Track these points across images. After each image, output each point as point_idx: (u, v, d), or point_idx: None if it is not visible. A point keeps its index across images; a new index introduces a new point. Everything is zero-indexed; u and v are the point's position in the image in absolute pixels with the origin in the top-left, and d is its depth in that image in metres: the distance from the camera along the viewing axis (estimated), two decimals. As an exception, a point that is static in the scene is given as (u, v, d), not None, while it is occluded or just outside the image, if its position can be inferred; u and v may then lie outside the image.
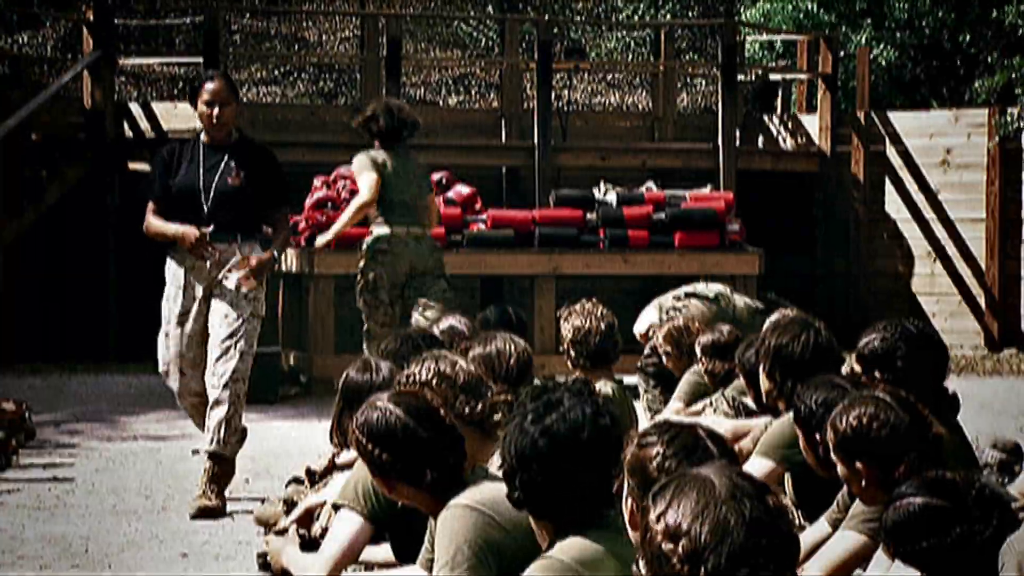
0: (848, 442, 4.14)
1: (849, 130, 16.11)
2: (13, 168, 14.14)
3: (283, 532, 5.36)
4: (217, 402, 7.30)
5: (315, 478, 6.00)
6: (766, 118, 17.32)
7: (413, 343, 5.42)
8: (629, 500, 3.10)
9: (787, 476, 5.31)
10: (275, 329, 13.07)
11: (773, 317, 6.92)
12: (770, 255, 13.01)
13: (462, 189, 12.83)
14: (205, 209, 7.38)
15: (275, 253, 7.49)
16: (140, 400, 11.72)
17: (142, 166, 15.36)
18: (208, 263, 7.35)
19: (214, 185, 7.37)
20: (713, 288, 10.11)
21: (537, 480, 3.34)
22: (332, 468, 5.88)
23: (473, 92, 18.53)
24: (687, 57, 18.72)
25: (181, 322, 7.45)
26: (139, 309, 15.12)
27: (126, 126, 15.40)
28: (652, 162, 15.55)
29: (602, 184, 13.21)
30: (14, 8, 21.96)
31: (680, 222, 12.55)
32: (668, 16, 18.77)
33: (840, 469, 4.21)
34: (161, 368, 7.60)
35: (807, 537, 4.59)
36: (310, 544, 4.93)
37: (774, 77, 18.02)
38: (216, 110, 7.35)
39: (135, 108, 15.68)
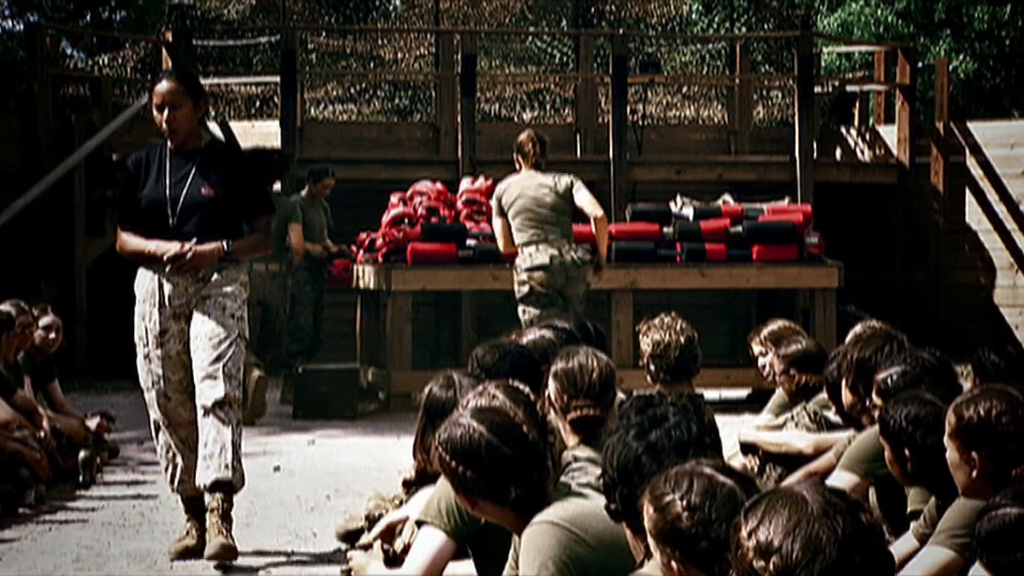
0: (971, 430, 4.05)
1: (928, 141, 15.96)
2: (95, 188, 14.33)
3: (366, 548, 5.37)
4: (213, 429, 6.55)
5: (411, 487, 5.99)
6: (843, 130, 17.20)
7: (512, 360, 5.40)
8: (673, 565, 2.96)
9: (871, 490, 5.26)
10: (353, 345, 13.15)
11: (856, 329, 6.85)
12: (849, 268, 12.90)
13: (538, 204, 12.80)
14: (171, 223, 6.64)
15: (225, 246, 6.64)
16: (221, 417, 11.80)
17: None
18: (184, 280, 6.67)
19: (183, 197, 6.65)
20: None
21: (637, 494, 3.33)
22: (425, 478, 5.87)
23: (548, 107, 18.54)
24: (763, 69, 18.62)
25: (161, 342, 6.71)
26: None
27: (204, 145, 15.55)
28: (728, 175, 15.49)
29: (678, 198, 13.16)
30: (95, 31, 22.23)
31: (758, 235, 12.47)
32: (744, 29, 18.70)
33: (952, 456, 4.12)
34: (146, 394, 6.80)
35: (894, 551, 4.54)
36: (394, 560, 4.93)
37: (851, 88, 17.90)
38: (166, 113, 6.59)
39: (213, 127, 15.83)
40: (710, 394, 12.38)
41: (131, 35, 24.69)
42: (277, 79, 15.33)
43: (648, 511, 3.01)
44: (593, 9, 18.65)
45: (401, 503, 5.96)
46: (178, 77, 6.73)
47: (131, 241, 6.74)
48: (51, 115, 14.90)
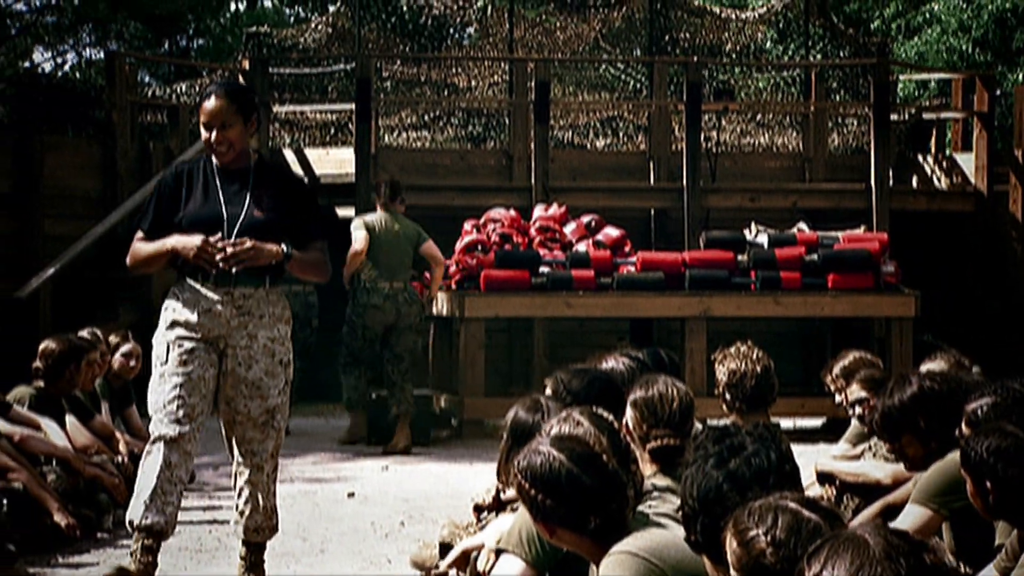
0: None
1: (1006, 169, 15.80)
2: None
3: (442, 575, 5.37)
4: (251, 483, 6.26)
5: (482, 514, 5.99)
6: (920, 157, 17.07)
7: (599, 386, 5.39)
8: None
9: (945, 525, 5.19)
10: (426, 372, 13.18)
11: (929, 365, 6.78)
12: (926, 297, 12.79)
13: (611, 231, 12.82)
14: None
15: (284, 249, 6.05)
16: (296, 443, 11.86)
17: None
18: (226, 306, 6.06)
19: (242, 217, 6.07)
20: None
21: (719, 524, 3.31)
22: (498, 504, 5.87)
23: (621, 134, 18.54)
24: (838, 97, 18.52)
25: (183, 360, 6.04)
26: (293, 351, 15.38)
27: (280, 172, 15.68)
28: (803, 203, 15.41)
29: (753, 225, 13.11)
30: (173, 59, 22.50)
31: (833, 263, 12.39)
32: (819, 56, 18.62)
33: None
34: (154, 416, 6.09)
35: (976, 586, 4.48)
36: (468, 587, 4.93)
37: (928, 116, 17.76)
38: (215, 134, 6.08)
39: (289, 154, 15.97)
40: (785, 423, 12.30)
41: (208, 63, 25.00)
42: (352, 106, 15.44)
43: (731, 545, 2.99)
44: (667, 36, 18.64)
45: (475, 530, 5.97)
46: (228, 93, 6.15)
47: (146, 246, 6.12)
48: (129, 142, 15.09)
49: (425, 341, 12.75)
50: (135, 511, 6.04)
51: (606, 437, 4.00)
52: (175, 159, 14.68)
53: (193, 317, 6.06)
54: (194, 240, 5.95)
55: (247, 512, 6.31)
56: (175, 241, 6.01)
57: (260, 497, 6.31)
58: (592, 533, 3.81)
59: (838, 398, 7.48)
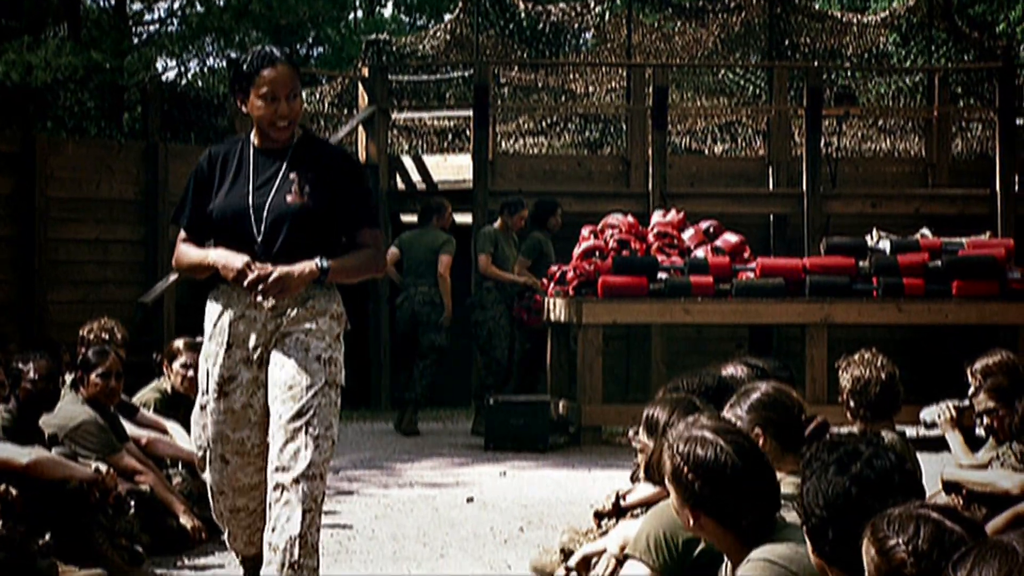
0: None
1: None
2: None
3: (563, 581, 5.36)
4: (285, 513, 5.21)
5: (602, 520, 5.98)
6: (1046, 162, 16.74)
7: (717, 387, 5.36)
8: None
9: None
10: (544, 378, 13.19)
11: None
12: (1053, 304, 12.52)
13: (730, 238, 12.73)
14: (257, 238, 5.43)
15: (320, 264, 5.37)
16: (414, 447, 11.94)
17: (414, 218, 15.74)
18: (261, 311, 5.44)
19: (268, 205, 5.42)
20: None
21: (853, 531, 3.27)
22: (618, 510, 5.86)
23: (740, 140, 18.42)
24: (962, 101, 18.23)
25: (224, 391, 5.46)
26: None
27: (398, 178, 15.81)
28: (925, 208, 15.20)
29: (875, 231, 12.94)
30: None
31: (958, 270, 12.19)
32: (943, 60, 18.34)
33: None
34: (196, 453, 5.73)
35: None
36: (591, 594, 4.92)
37: (1054, 120, 17.42)
38: (281, 106, 5.39)
39: (407, 161, 16.08)
40: (909, 431, 12.13)
41: (328, 71, 25.25)
42: (470, 113, 15.50)
43: (870, 552, 2.95)
44: (787, 41, 18.48)
45: (595, 536, 5.96)
46: (288, 59, 5.48)
47: (190, 253, 5.56)
48: (251, 149, 15.27)
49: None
50: (243, 547, 5.81)
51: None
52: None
53: (227, 325, 5.48)
54: (234, 262, 5.33)
55: (280, 546, 5.20)
56: (217, 257, 5.41)
57: (294, 526, 5.19)
58: (739, 530, 3.80)
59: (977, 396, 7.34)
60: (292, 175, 5.44)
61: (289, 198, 5.40)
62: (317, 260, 5.36)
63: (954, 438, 7.23)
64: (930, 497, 6.36)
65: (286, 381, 5.33)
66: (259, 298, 5.33)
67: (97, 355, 7.57)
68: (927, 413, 7.42)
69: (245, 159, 5.52)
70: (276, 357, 5.41)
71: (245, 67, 5.44)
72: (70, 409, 7.37)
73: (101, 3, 25.19)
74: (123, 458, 7.35)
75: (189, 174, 5.66)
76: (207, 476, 5.66)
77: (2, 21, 19.72)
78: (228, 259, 5.36)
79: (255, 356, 5.44)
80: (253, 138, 5.54)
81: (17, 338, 11.75)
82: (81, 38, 19.39)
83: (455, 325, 13.23)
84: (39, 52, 16.43)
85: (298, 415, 5.26)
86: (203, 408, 5.53)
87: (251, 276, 5.29)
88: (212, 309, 5.55)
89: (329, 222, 5.45)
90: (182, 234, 5.64)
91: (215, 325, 5.51)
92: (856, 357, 6.55)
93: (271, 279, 5.28)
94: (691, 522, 3.88)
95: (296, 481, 5.20)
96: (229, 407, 5.46)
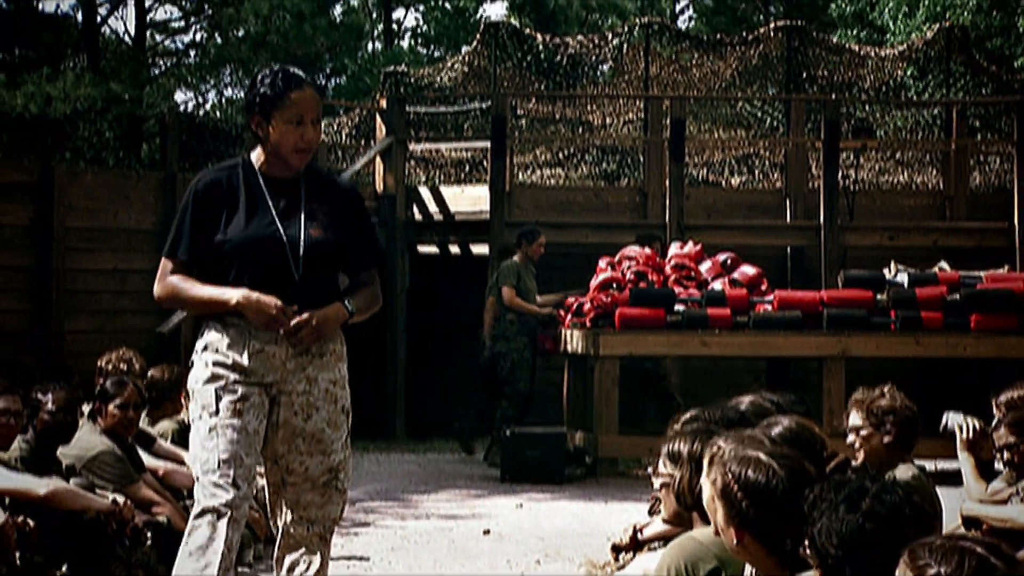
0: None
1: None
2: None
3: (581, 615, 5.34)
4: (309, 557, 5.15)
5: (620, 553, 5.96)
6: (1065, 196, 16.69)
7: (737, 420, 5.33)
8: None
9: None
10: (560, 409, 13.16)
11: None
12: (1072, 338, 12.46)
13: (747, 270, 12.72)
14: (296, 273, 5.08)
15: (348, 308, 5.14)
16: (430, 479, 11.92)
17: (431, 249, 15.76)
18: (281, 346, 5.08)
19: (301, 237, 5.08)
20: None
21: (868, 569, 3.26)
22: (635, 543, 5.83)
23: (757, 172, 18.41)
24: (980, 135, 18.21)
25: (238, 410, 5.03)
26: (427, 389, 15.49)
27: (416, 209, 15.83)
28: (943, 241, 15.17)
29: (892, 264, 12.91)
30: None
31: (976, 303, 12.15)
32: (960, 93, 18.33)
33: None
34: (202, 478, 5.01)
35: None
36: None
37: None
38: (308, 131, 5.08)
39: (424, 192, 16.10)
40: (927, 465, 12.07)
41: (346, 102, 25.33)
42: (487, 144, 15.53)
43: None
44: (804, 74, 18.49)
45: (612, 570, 5.93)
46: (311, 82, 5.25)
47: (194, 289, 5.10)
48: (269, 180, 15.29)
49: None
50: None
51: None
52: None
53: (242, 359, 5.06)
54: (266, 307, 4.97)
55: None
56: (241, 299, 4.99)
57: (298, 571, 5.16)
58: (782, 554, 3.78)
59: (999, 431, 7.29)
60: (314, 206, 5.13)
61: (315, 232, 5.09)
62: (346, 303, 5.13)
63: (966, 460, 7.17)
64: (950, 532, 6.33)
65: (314, 434, 5.08)
66: (292, 343, 5.03)
67: (115, 385, 7.57)
68: (951, 418, 7.33)
69: (255, 187, 5.12)
70: (302, 405, 5.08)
71: (269, 88, 5.08)
72: (88, 440, 7.37)
73: (120, 34, 25.31)
74: (140, 489, 7.35)
75: (183, 202, 5.19)
76: (204, 499, 4.95)
77: (22, 52, 19.82)
78: (259, 303, 4.97)
79: (271, 389, 5.07)
80: (257, 164, 5.15)
81: (32, 367, 11.75)
82: (100, 69, 19.48)
83: (470, 356, 13.22)
84: (58, 83, 16.51)
85: (329, 471, 5.10)
86: (211, 431, 4.99)
87: (290, 324, 4.99)
88: (218, 340, 5.09)
89: (343, 258, 5.21)
90: (168, 265, 5.15)
91: (221, 354, 5.06)
92: (876, 392, 6.52)
93: (309, 327, 5.00)
94: (734, 542, 3.86)
95: (322, 537, 5.14)
96: (244, 426, 5.01)
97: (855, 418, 6.48)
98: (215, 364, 5.04)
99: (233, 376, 5.03)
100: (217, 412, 5.01)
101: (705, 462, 4.02)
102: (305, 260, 5.05)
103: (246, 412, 5.00)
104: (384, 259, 5.52)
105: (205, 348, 5.11)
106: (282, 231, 5.06)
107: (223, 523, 4.91)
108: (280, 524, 5.18)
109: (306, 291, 5.05)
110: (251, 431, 5.00)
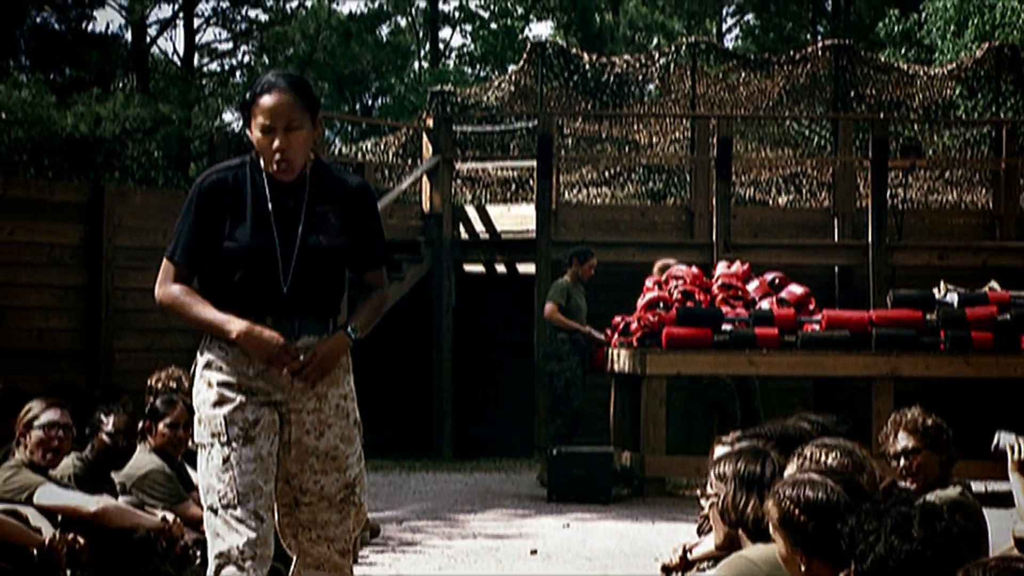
0: None
1: None
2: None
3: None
4: (331, 573, 4.91)
5: (670, 574, 5.93)
6: (1116, 214, 16.55)
7: (783, 438, 5.30)
8: None
9: None
10: (607, 428, 13.14)
11: None
12: (1124, 358, 12.33)
13: (795, 289, 12.66)
14: (284, 284, 4.79)
15: (351, 335, 4.84)
16: (476, 498, 11.91)
17: (477, 268, 15.78)
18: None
19: (295, 244, 4.78)
20: None
21: None
22: (685, 563, 5.80)
23: (804, 191, 18.35)
24: (1031, 153, 18.08)
25: (249, 437, 4.74)
26: (473, 407, 15.49)
27: (462, 228, 15.85)
28: (993, 261, 15.06)
29: (942, 284, 12.82)
30: (357, 118, 22.94)
31: (1027, 323, 12.04)
32: (1010, 112, 18.21)
33: None
34: (221, 512, 4.70)
35: None
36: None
37: (1123, 171, 17.22)
38: (278, 139, 4.74)
39: (470, 211, 16.13)
40: (977, 486, 11.98)
41: (392, 121, 25.42)
42: (533, 163, 15.54)
43: None
44: (852, 92, 18.43)
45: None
46: (292, 84, 4.79)
47: (196, 309, 4.81)
48: (316, 199, 15.35)
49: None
50: None
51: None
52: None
53: (248, 378, 4.78)
54: (267, 344, 4.70)
55: None
56: (241, 332, 4.70)
57: None
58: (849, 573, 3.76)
59: None
60: (316, 210, 4.81)
61: (313, 239, 4.78)
62: (348, 330, 4.82)
63: (1017, 481, 7.08)
64: (1003, 552, 6.27)
65: (328, 451, 4.81)
66: (296, 381, 4.76)
67: (165, 404, 7.61)
68: (1003, 439, 7.24)
69: (259, 188, 4.80)
70: (313, 423, 4.80)
71: (248, 93, 4.85)
72: (138, 458, 7.40)
73: (169, 55, 25.49)
74: (189, 507, 7.37)
75: (186, 202, 4.89)
76: (227, 540, 4.66)
77: (72, 73, 20.01)
78: (259, 340, 4.68)
79: (280, 408, 4.79)
80: (263, 163, 4.82)
81: (83, 386, 11.83)
82: (149, 90, 19.63)
83: (517, 374, 13.24)
84: (108, 104, 16.65)
85: (346, 487, 4.84)
86: (225, 462, 4.69)
87: (292, 364, 4.72)
88: (222, 358, 4.79)
89: (348, 262, 4.91)
90: (169, 267, 4.87)
91: (225, 372, 4.77)
92: (914, 412, 6.45)
93: (312, 366, 4.74)
94: (802, 568, 3.83)
95: (343, 553, 4.89)
96: (258, 454, 4.72)
97: (905, 440, 6.40)
98: (220, 384, 4.76)
99: (240, 398, 4.74)
100: (229, 440, 4.71)
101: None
102: (296, 270, 4.75)
103: (258, 436, 4.72)
104: (388, 259, 5.09)
105: (208, 366, 4.81)
106: (277, 239, 4.76)
107: (249, 564, 4.64)
108: (291, 543, 4.91)
109: (296, 303, 4.78)
110: (265, 455, 4.73)
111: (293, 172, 4.76)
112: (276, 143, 4.70)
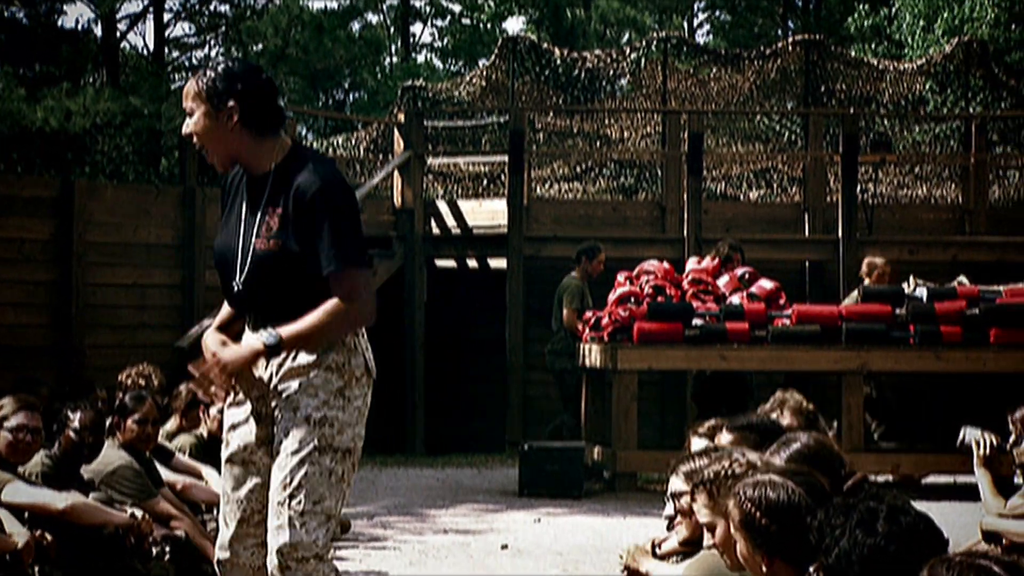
0: None
1: None
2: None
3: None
4: None
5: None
6: (1084, 209, 16.67)
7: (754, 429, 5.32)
8: None
9: None
10: (578, 424, 13.16)
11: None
12: (1092, 352, 12.41)
13: (765, 284, 12.68)
14: (238, 287, 4.66)
15: (266, 341, 4.53)
16: (447, 494, 11.91)
17: (449, 263, 15.78)
18: (255, 370, 4.65)
19: (251, 247, 4.60)
20: None
21: None
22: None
23: (775, 186, 18.40)
24: (999, 148, 18.18)
25: (226, 439, 4.76)
26: (445, 402, 15.50)
27: (433, 223, 15.85)
28: (963, 256, 15.13)
29: (911, 279, 12.88)
30: (329, 113, 22.89)
31: (996, 318, 12.10)
32: (979, 107, 18.30)
33: None
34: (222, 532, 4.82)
35: None
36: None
37: (1092, 166, 17.36)
38: (185, 124, 4.67)
39: (442, 206, 16.12)
40: (945, 479, 12.04)
41: (364, 117, 25.38)
42: (505, 158, 15.55)
43: None
44: (823, 87, 18.49)
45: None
46: (205, 75, 4.62)
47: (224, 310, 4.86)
48: (287, 194, 15.33)
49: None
50: None
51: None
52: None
53: (235, 388, 4.69)
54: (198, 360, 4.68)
55: None
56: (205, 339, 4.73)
57: None
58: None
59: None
60: (268, 209, 4.57)
61: (263, 239, 4.56)
62: (265, 335, 4.51)
63: (983, 476, 7.12)
64: (970, 546, 6.31)
65: (275, 447, 4.56)
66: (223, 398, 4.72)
67: (134, 400, 7.59)
68: (968, 434, 7.28)
69: (242, 185, 4.70)
70: (276, 417, 4.60)
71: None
72: (106, 454, 7.38)
73: (139, 49, 25.39)
74: (158, 503, 7.36)
75: None
76: (222, 554, 4.79)
77: (42, 67, 19.90)
78: (203, 348, 4.65)
79: (260, 410, 4.62)
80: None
81: (52, 382, 11.78)
82: (120, 84, 19.55)
83: (489, 370, 13.26)
84: (78, 98, 16.57)
85: (281, 487, 4.48)
86: (226, 462, 4.76)
87: (196, 377, 4.65)
88: None
89: (309, 263, 4.51)
90: None
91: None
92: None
93: (216, 372, 4.53)
94: (763, 569, 3.85)
95: (281, 568, 4.46)
96: (228, 457, 4.67)
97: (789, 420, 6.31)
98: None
99: (230, 397, 4.73)
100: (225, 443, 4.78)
101: (701, 500, 4.02)
102: (250, 272, 4.56)
103: (231, 441, 4.71)
104: (357, 260, 4.57)
105: None
106: (241, 239, 4.60)
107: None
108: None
109: (252, 305, 4.62)
110: (236, 462, 4.68)
111: (217, 161, 4.62)
112: (183, 130, 4.67)
